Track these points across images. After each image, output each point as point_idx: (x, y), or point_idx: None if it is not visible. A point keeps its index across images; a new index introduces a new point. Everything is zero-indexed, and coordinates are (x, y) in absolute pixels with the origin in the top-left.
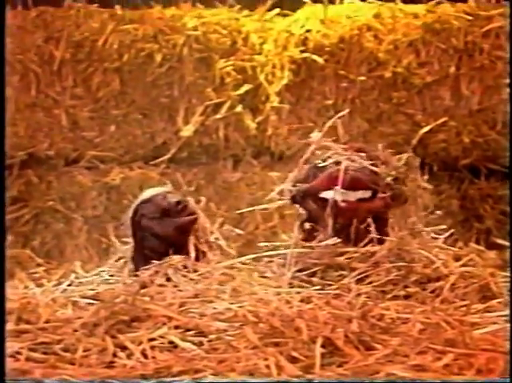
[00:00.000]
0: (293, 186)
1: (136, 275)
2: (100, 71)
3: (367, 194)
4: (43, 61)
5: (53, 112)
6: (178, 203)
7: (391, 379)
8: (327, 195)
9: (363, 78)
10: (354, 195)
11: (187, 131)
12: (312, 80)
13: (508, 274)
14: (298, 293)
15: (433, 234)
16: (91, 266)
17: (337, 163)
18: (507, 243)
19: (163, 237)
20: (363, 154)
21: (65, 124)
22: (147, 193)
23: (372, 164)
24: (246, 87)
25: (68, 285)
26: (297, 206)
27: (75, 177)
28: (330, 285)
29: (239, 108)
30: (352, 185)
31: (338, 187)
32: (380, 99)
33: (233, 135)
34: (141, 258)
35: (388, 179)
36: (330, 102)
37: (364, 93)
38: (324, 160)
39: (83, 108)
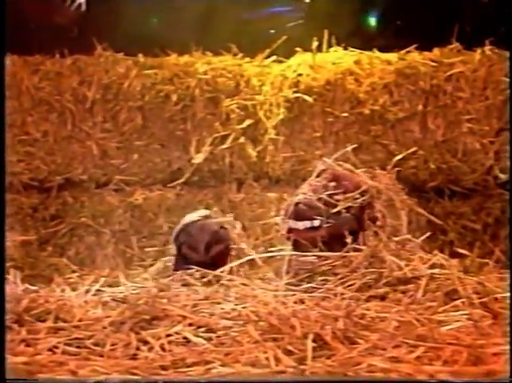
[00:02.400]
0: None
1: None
2: (126, 109)
3: (314, 223)
4: (77, 100)
5: (85, 143)
6: (215, 232)
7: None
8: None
9: (346, 114)
10: (302, 225)
11: (198, 158)
12: (303, 116)
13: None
14: (292, 295)
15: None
16: (118, 272)
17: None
18: (468, 253)
19: (203, 263)
20: (332, 183)
21: (96, 153)
22: (186, 220)
23: (332, 194)
24: (247, 122)
25: (98, 289)
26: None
27: (104, 198)
28: (316, 288)
29: (242, 140)
30: (298, 216)
31: (290, 219)
32: (360, 132)
33: (237, 162)
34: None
35: (342, 208)
36: (318, 134)
37: (347, 127)
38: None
39: (111, 139)
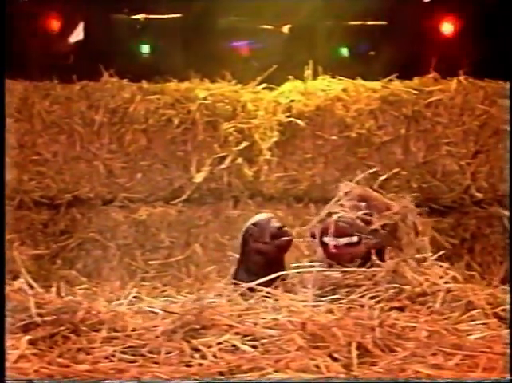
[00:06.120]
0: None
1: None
2: (131, 131)
3: (353, 239)
4: (85, 123)
5: (93, 163)
6: (280, 227)
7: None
8: (325, 239)
9: (334, 138)
10: (342, 241)
11: (198, 177)
12: (295, 139)
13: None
14: (322, 306)
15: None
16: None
17: (331, 214)
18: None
19: (265, 252)
20: (363, 203)
21: (103, 173)
22: (256, 217)
23: (366, 213)
24: (244, 144)
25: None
26: (313, 240)
27: (110, 214)
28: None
29: (239, 160)
30: (338, 233)
31: (330, 236)
32: (347, 154)
33: (234, 181)
34: (244, 269)
35: (378, 226)
36: (309, 156)
37: (335, 149)
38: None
39: (117, 160)
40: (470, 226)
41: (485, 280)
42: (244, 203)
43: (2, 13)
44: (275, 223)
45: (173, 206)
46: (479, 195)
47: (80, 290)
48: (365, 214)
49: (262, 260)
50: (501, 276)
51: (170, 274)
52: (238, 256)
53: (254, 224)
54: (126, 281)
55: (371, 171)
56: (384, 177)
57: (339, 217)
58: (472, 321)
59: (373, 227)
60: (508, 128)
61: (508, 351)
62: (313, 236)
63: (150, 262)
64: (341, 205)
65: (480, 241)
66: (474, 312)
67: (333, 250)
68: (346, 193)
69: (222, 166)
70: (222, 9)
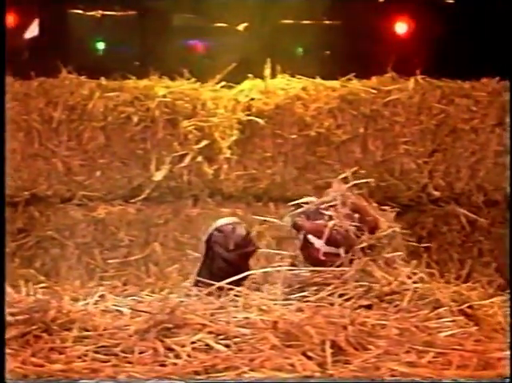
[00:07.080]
0: (299, 215)
1: (198, 285)
2: (89, 128)
3: (339, 251)
4: (44, 120)
5: (51, 160)
6: (245, 236)
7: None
8: (311, 239)
9: (294, 136)
10: (328, 249)
11: (157, 176)
12: (254, 138)
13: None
14: (291, 304)
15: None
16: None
17: (329, 218)
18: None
19: (230, 261)
20: (356, 215)
21: (61, 170)
22: (220, 222)
23: (359, 228)
24: (204, 142)
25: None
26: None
27: (68, 212)
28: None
29: (199, 159)
30: (329, 240)
31: (321, 241)
32: (306, 152)
33: (194, 179)
34: (207, 273)
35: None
36: (268, 154)
37: (295, 148)
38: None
39: (75, 157)
40: (427, 224)
41: (443, 278)
42: (204, 202)
43: (2, 13)
44: (240, 232)
45: (132, 204)
46: (436, 194)
47: (40, 288)
48: (358, 229)
49: (226, 267)
50: (464, 273)
51: (129, 272)
52: (200, 256)
53: (218, 230)
54: (85, 280)
55: (363, 181)
56: (342, 176)
57: (334, 224)
58: (440, 318)
59: (362, 245)
60: (507, 122)
61: (508, 350)
62: (297, 229)
63: (109, 261)
64: (336, 211)
65: (437, 239)
66: (441, 310)
67: (321, 257)
68: (337, 197)
69: (182, 164)
70: (181, 7)
